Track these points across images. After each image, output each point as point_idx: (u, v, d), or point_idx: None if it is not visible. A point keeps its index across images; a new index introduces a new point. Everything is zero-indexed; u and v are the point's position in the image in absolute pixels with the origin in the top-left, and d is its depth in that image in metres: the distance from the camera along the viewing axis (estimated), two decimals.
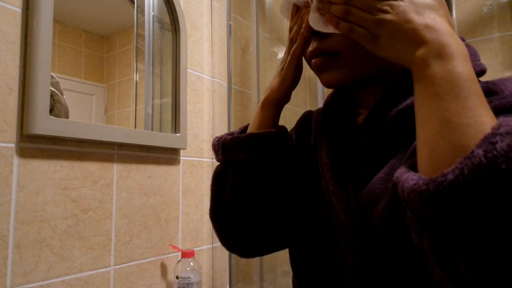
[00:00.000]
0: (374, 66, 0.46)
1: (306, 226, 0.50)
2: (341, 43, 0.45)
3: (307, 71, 0.54)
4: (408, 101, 0.42)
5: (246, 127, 0.58)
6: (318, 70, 0.49)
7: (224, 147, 0.54)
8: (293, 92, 0.57)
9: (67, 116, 0.89)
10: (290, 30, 0.54)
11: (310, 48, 0.48)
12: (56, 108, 0.86)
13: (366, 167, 0.45)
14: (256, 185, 0.53)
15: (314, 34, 0.46)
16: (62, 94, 0.88)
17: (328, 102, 0.56)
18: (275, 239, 0.56)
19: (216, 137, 0.57)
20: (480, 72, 0.45)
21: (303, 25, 0.48)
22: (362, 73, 0.47)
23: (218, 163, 0.57)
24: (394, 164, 0.42)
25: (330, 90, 0.58)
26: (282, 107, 0.57)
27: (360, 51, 0.44)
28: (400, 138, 0.43)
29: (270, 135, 0.53)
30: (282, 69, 0.55)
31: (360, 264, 0.40)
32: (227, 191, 0.54)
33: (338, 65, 0.46)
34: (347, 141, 0.50)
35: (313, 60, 0.48)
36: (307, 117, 0.61)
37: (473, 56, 0.48)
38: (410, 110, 0.42)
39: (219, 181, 0.56)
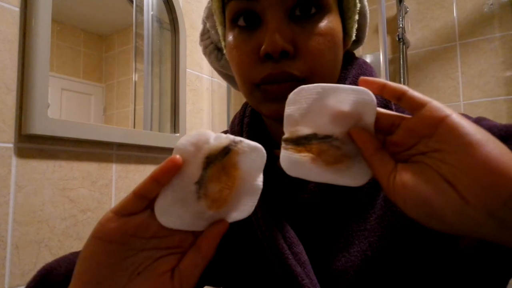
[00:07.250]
0: None
1: None
2: (312, 67, 0.37)
3: None
4: None
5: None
6: (275, 98, 0.38)
7: None
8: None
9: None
10: None
11: (269, 70, 0.37)
12: None
13: (314, 220, 0.41)
14: None
15: (282, 55, 0.37)
16: None
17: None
18: None
19: None
20: None
21: (268, 41, 0.36)
22: None
23: None
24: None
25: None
26: None
27: (329, 74, 0.39)
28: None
29: None
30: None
31: None
32: None
33: None
34: (280, 195, 0.42)
35: (274, 86, 0.38)
36: None
37: (370, 74, 0.44)
38: None
39: None
